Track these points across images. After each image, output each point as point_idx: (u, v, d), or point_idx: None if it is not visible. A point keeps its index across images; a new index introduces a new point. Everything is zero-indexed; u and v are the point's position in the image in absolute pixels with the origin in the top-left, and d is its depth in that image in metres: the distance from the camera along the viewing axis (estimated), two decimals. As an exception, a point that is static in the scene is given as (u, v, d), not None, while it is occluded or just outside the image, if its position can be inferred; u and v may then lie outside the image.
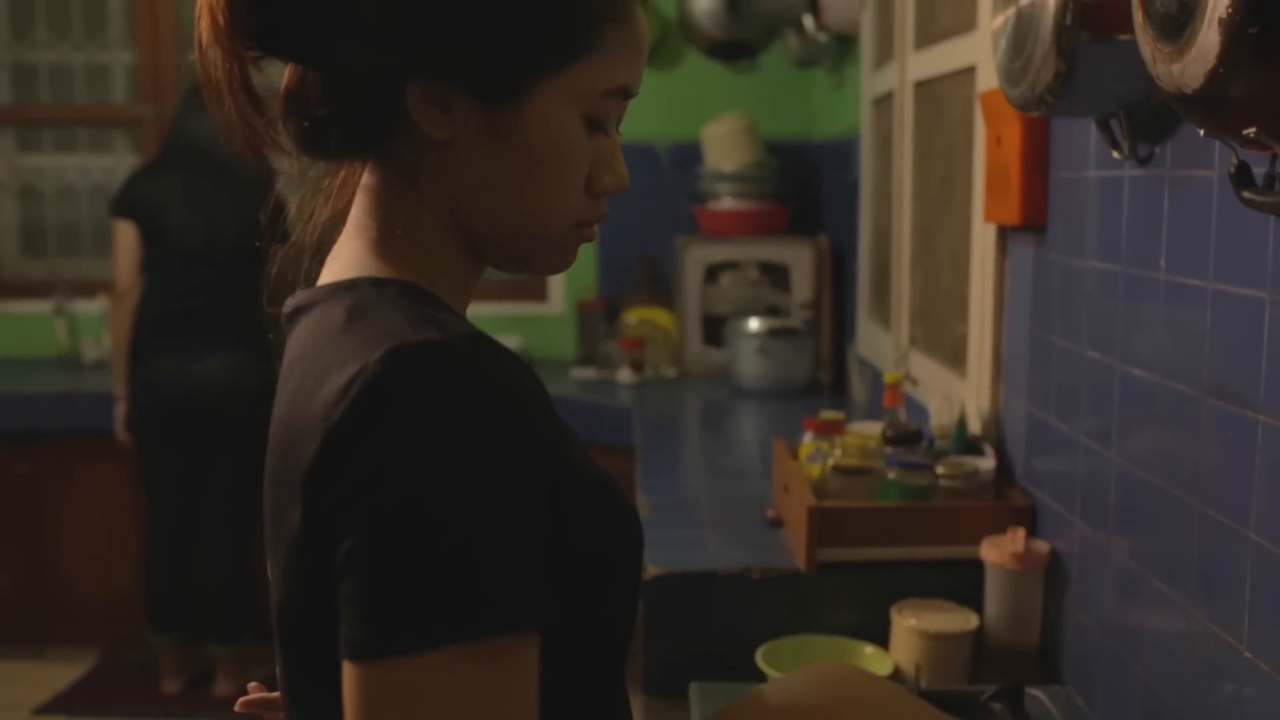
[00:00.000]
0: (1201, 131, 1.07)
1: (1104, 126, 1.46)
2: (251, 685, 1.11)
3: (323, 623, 0.76)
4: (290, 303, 0.93)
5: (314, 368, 0.81)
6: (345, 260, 0.90)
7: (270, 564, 0.89)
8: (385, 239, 0.89)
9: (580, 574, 0.83)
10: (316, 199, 0.97)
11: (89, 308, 4.39)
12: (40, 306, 4.41)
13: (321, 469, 0.76)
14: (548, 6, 0.84)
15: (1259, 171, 1.10)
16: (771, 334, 3.53)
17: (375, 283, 0.86)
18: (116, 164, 4.54)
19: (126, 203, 3.56)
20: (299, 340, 0.88)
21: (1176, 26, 1.00)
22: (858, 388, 3.36)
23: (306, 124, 0.88)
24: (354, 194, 0.93)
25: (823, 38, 3.51)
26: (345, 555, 0.74)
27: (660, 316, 3.99)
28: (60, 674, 3.83)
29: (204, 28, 0.85)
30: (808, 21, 3.44)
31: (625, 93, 0.89)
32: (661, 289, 4.13)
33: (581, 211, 0.90)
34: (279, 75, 0.90)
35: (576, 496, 0.83)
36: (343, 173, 0.95)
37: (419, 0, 0.83)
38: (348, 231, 0.92)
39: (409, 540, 0.72)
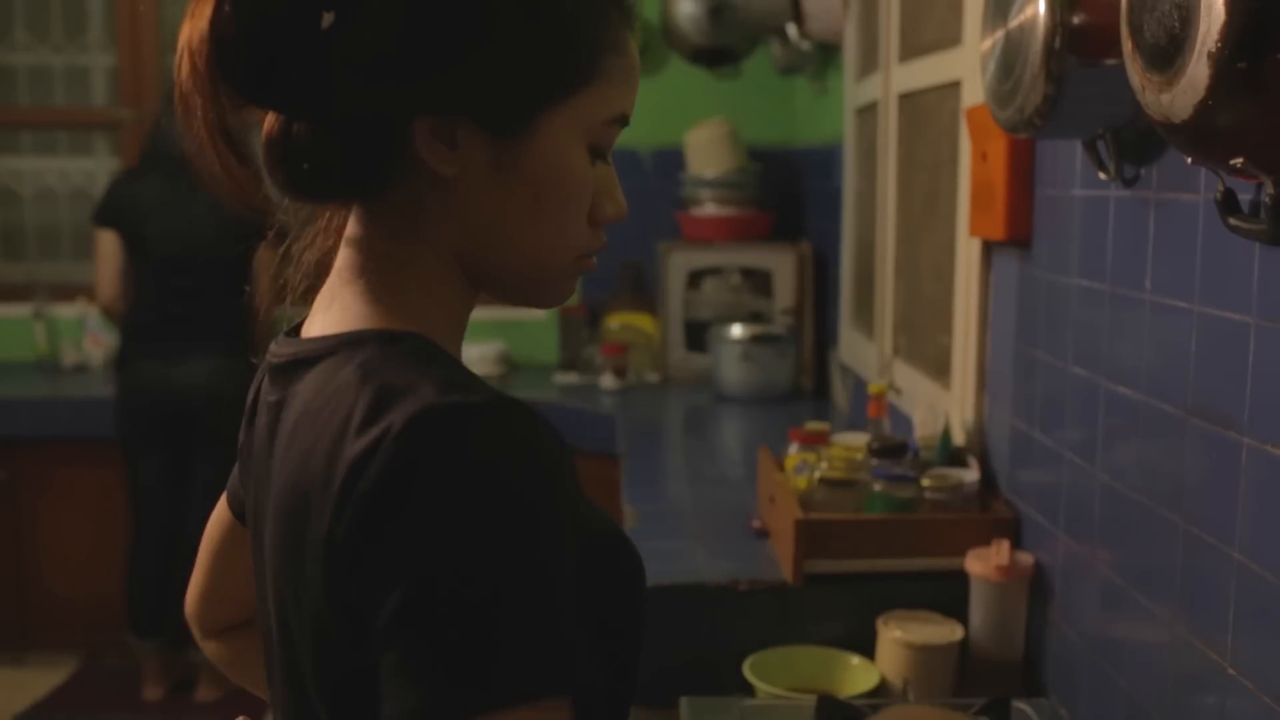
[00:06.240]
0: (1189, 159, 1.08)
1: (1091, 148, 1.47)
2: None
3: (368, 682, 0.76)
4: (283, 352, 0.89)
5: (328, 429, 0.79)
6: (344, 309, 0.87)
7: (280, 617, 0.87)
8: (387, 284, 0.87)
9: (592, 631, 0.83)
10: (303, 240, 0.95)
11: (68, 312, 4.37)
12: (19, 310, 4.38)
13: (355, 536, 0.75)
14: (553, 37, 0.84)
15: (1245, 198, 1.11)
16: (754, 340, 3.55)
17: (384, 337, 0.84)
18: (96, 167, 4.52)
19: (107, 210, 3.57)
20: (305, 397, 0.84)
21: (1166, 58, 1.02)
22: (840, 394, 3.38)
23: (303, 170, 0.85)
24: (340, 234, 0.91)
25: (806, 46, 3.52)
26: (386, 626, 0.73)
27: (643, 322, 4.00)
28: (40, 681, 3.81)
29: (184, 74, 0.81)
30: (791, 29, 3.46)
31: (623, 120, 0.90)
32: (644, 294, 4.14)
33: (585, 242, 0.90)
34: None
35: (591, 555, 0.83)
36: (330, 211, 0.93)
37: (427, 32, 0.81)
38: (341, 275, 0.89)
39: (453, 608, 0.71)
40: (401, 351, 0.82)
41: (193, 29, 0.80)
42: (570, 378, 3.97)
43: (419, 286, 0.87)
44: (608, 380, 3.78)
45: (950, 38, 2.22)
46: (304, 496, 0.80)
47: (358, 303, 0.87)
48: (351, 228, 0.90)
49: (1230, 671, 1.20)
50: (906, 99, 2.57)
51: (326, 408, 0.81)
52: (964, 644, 1.77)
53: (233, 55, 0.80)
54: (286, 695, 0.90)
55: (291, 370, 0.87)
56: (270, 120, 0.86)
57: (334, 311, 0.88)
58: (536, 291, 0.92)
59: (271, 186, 0.87)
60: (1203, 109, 0.97)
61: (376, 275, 0.87)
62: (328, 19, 0.80)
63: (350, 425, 0.77)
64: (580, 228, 0.89)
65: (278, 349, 0.90)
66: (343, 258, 0.90)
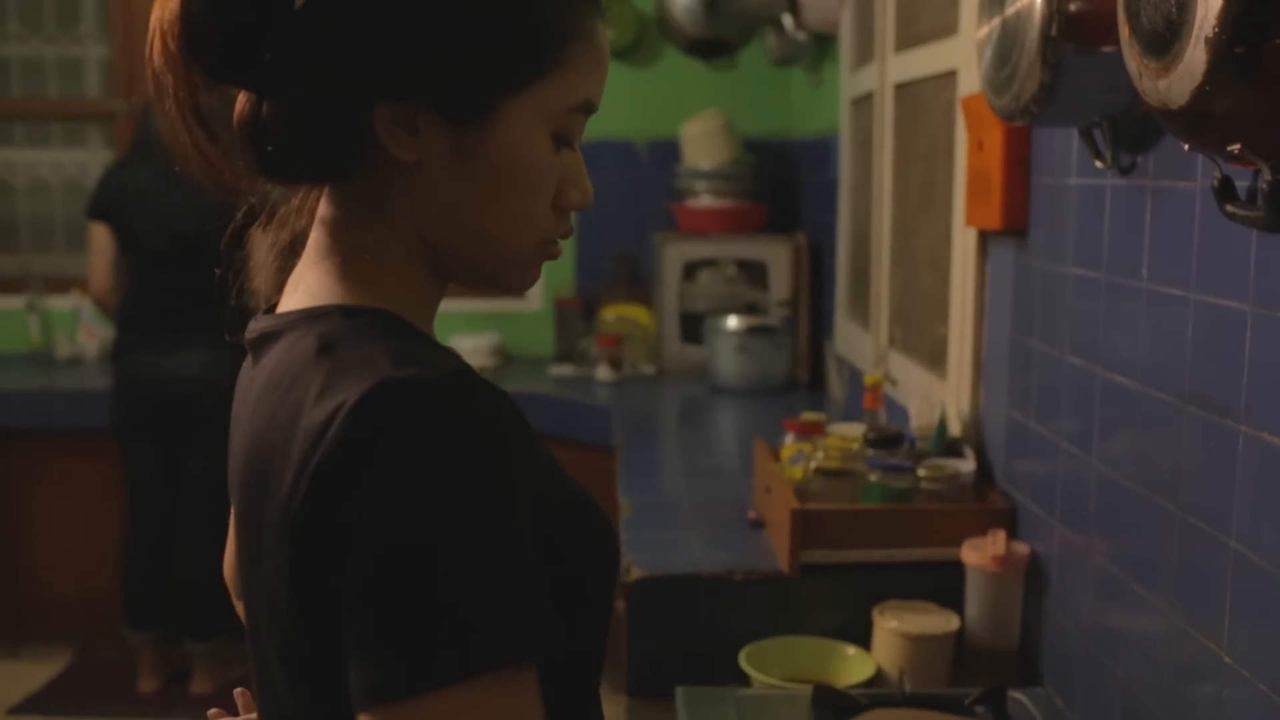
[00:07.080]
0: (1186, 146, 1.08)
1: (1087, 136, 1.47)
2: (212, 713, 1.10)
3: (334, 655, 0.76)
4: (254, 328, 0.91)
5: (287, 399, 0.80)
6: (311, 287, 0.88)
7: (246, 587, 0.88)
8: (352, 264, 0.88)
9: (560, 596, 0.83)
10: (275, 222, 0.95)
11: (62, 304, 4.36)
12: (13, 302, 4.36)
13: (312, 509, 0.75)
14: (513, 25, 0.84)
15: (1241, 185, 1.11)
16: (750, 332, 3.54)
17: (347, 311, 0.85)
18: (90, 159, 4.51)
19: (98, 203, 3.57)
20: (268, 369, 0.86)
21: (1163, 43, 1.01)
22: (836, 385, 3.38)
23: (267, 150, 0.86)
24: (313, 215, 0.92)
25: (801, 37, 3.52)
26: (349, 600, 0.73)
27: (638, 314, 3.99)
28: (35, 673, 3.80)
29: (156, 51, 0.83)
30: (786, 20, 3.45)
31: (589, 108, 0.90)
32: (639, 286, 4.14)
33: (549, 228, 0.91)
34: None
35: (556, 520, 0.83)
36: (301, 194, 0.94)
37: (387, 22, 0.82)
38: (309, 256, 0.90)
39: (414, 580, 0.71)
40: (362, 324, 0.83)
41: (164, 8, 0.82)
42: (565, 369, 3.97)
43: (384, 269, 0.88)
44: (603, 372, 3.78)
45: (946, 27, 2.21)
46: (263, 468, 0.81)
47: (323, 281, 0.88)
48: (322, 209, 0.91)
49: (1227, 660, 1.20)
50: (902, 89, 2.56)
51: (286, 379, 0.82)
52: (960, 634, 1.77)
53: (203, 35, 0.81)
54: (253, 670, 0.90)
55: (259, 345, 0.89)
56: (242, 100, 0.87)
57: (300, 291, 0.89)
58: (500, 277, 0.92)
59: (244, 167, 0.88)
60: (1200, 95, 0.97)
61: (341, 256, 0.88)
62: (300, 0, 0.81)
63: (308, 398, 0.78)
64: (543, 214, 0.89)
65: (252, 325, 0.92)
66: (312, 239, 0.91)
